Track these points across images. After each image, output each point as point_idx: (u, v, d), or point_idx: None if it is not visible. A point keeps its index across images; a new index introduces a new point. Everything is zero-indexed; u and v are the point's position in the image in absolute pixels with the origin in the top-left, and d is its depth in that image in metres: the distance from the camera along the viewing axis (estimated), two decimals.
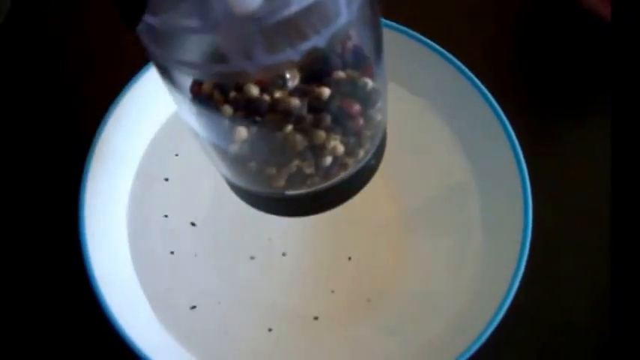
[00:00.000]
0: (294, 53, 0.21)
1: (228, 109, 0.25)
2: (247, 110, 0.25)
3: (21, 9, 0.45)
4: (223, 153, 0.27)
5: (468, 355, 0.34)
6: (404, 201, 0.40)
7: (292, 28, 0.21)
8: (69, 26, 0.45)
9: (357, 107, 0.25)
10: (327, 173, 0.27)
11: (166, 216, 0.39)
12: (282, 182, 0.27)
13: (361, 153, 0.28)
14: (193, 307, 0.38)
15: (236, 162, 0.27)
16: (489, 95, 0.38)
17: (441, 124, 0.40)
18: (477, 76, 0.38)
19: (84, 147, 0.37)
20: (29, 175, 0.41)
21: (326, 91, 0.24)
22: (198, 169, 0.39)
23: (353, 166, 0.28)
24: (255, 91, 0.25)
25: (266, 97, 0.25)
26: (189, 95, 0.25)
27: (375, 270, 0.39)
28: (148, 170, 0.40)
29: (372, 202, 0.39)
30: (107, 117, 0.38)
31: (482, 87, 0.38)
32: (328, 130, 0.25)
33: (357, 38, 0.25)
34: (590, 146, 0.42)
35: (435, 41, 0.39)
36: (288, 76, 0.25)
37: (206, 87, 0.25)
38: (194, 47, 0.22)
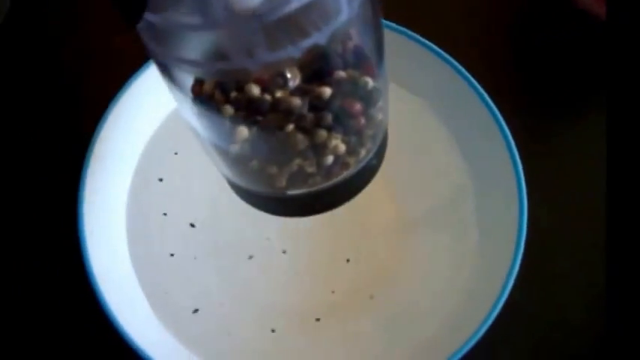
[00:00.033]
0: (295, 50, 0.21)
1: (229, 109, 0.25)
2: (248, 110, 0.25)
3: (21, 9, 0.45)
4: (224, 153, 0.27)
5: (463, 352, 0.34)
6: (402, 200, 0.40)
7: (293, 25, 0.21)
8: (69, 26, 0.45)
9: (358, 106, 0.25)
10: (328, 172, 0.27)
11: (165, 214, 0.39)
12: (283, 182, 0.27)
13: (363, 152, 0.28)
14: (196, 311, 0.38)
15: (237, 162, 0.27)
16: (486, 95, 0.38)
17: (438, 124, 0.40)
18: (473, 76, 0.39)
19: (83, 146, 0.37)
20: (28, 174, 0.41)
21: (327, 91, 0.24)
22: (198, 168, 0.39)
23: (354, 166, 0.28)
24: (256, 90, 0.25)
25: (267, 97, 0.25)
26: (191, 95, 0.25)
27: (374, 269, 0.39)
28: (147, 168, 0.40)
29: (370, 201, 0.39)
30: (106, 115, 0.37)
31: (479, 87, 0.38)
32: (329, 129, 0.25)
33: (357, 38, 0.25)
34: (585, 146, 0.42)
35: (432, 42, 0.39)
36: (289, 75, 0.24)
37: (207, 87, 0.25)
38: (195, 45, 0.22)
